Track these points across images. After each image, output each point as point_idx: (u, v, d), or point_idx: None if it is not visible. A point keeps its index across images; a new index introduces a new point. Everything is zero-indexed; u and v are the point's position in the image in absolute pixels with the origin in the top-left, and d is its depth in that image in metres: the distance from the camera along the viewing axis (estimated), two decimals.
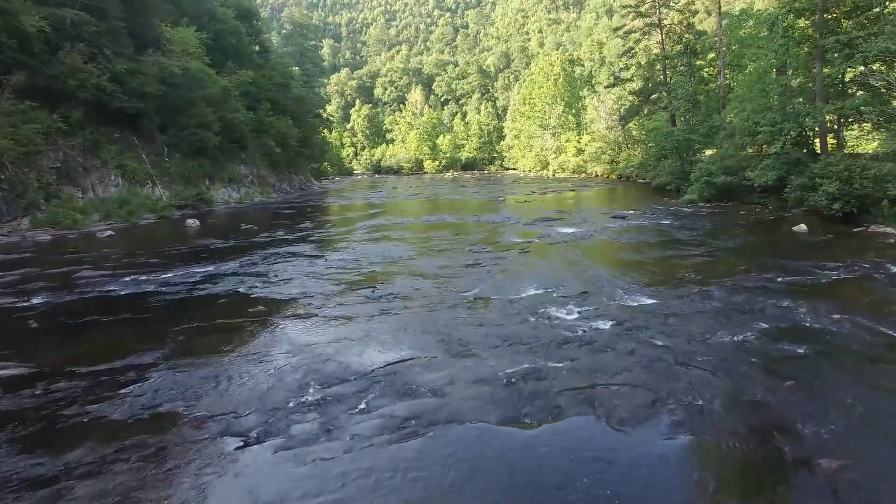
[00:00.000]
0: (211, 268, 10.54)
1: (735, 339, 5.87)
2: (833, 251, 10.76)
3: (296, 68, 51.88)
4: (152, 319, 7.22)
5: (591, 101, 50.17)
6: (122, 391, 4.81)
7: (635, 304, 7.38)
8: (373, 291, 8.42)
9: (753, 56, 21.25)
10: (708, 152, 26.18)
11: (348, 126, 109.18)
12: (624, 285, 8.34)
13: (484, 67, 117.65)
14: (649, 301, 7.47)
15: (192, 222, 18.38)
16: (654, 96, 31.97)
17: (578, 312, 6.98)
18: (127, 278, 9.73)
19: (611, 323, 6.49)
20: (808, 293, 7.62)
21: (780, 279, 8.42)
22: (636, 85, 35.02)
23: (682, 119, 27.51)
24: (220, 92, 27.86)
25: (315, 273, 9.98)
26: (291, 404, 4.56)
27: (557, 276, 9.04)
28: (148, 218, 20.07)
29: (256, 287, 8.87)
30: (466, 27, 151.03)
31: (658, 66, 31.37)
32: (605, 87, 43.70)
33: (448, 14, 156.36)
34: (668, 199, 22.82)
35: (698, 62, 27.67)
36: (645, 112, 33.72)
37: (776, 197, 17.46)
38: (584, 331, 6.25)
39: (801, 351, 5.42)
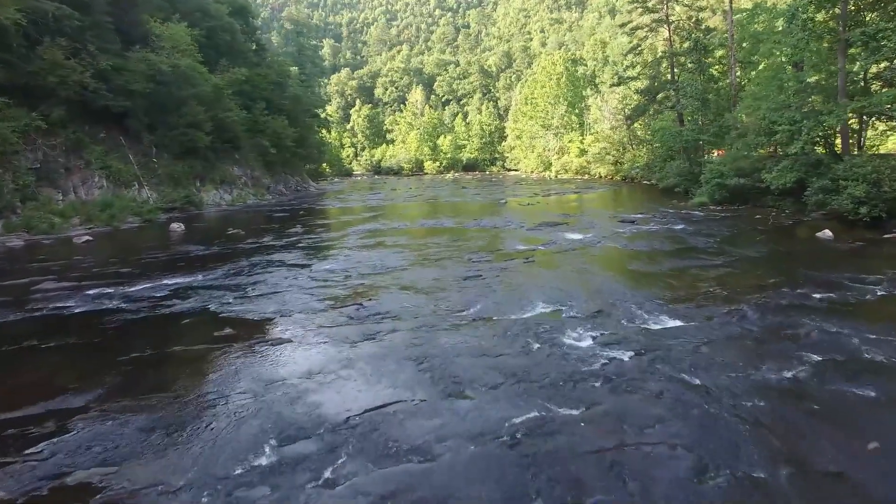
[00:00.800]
0: (185, 280, 9.60)
1: (784, 375, 4.90)
2: (868, 261, 9.83)
3: (294, 67, 50.84)
4: (100, 345, 6.26)
5: (594, 101, 49.11)
6: (30, 451, 3.86)
7: (657, 326, 6.43)
8: (358, 309, 7.47)
9: (768, 52, 20.30)
10: (716, 152, 25.19)
11: (348, 126, 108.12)
12: (641, 302, 7.38)
13: (485, 67, 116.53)
14: (673, 323, 6.51)
15: (177, 226, 17.42)
16: (660, 95, 30.95)
17: (592, 338, 6.03)
18: (90, 291, 8.79)
19: (631, 352, 5.54)
20: (855, 313, 6.67)
21: (816, 295, 7.45)
22: (642, 84, 33.99)
23: (691, 118, 26.49)
24: (212, 90, 26.84)
25: (298, 286, 9.03)
26: (240, 471, 3.60)
27: (566, 291, 8.08)
28: (132, 222, 19.10)
29: (229, 303, 7.92)
30: (468, 27, 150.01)
31: (665, 64, 30.38)
32: (610, 87, 42.59)
33: (449, 14, 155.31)
34: (676, 201, 21.82)
35: (707, 59, 26.65)
36: (651, 112, 32.71)
37: (793, 200, 16.50)
38: (602, 363, 5.29)
39: (871, 394, 4.45)
